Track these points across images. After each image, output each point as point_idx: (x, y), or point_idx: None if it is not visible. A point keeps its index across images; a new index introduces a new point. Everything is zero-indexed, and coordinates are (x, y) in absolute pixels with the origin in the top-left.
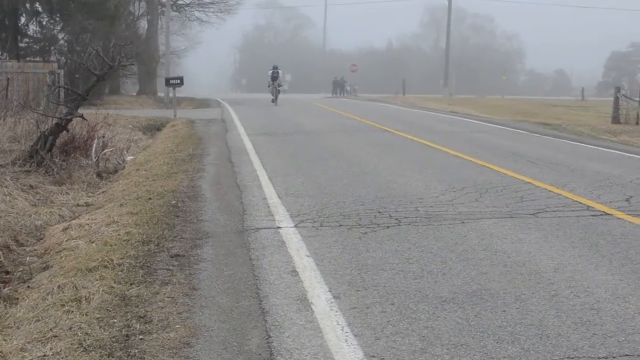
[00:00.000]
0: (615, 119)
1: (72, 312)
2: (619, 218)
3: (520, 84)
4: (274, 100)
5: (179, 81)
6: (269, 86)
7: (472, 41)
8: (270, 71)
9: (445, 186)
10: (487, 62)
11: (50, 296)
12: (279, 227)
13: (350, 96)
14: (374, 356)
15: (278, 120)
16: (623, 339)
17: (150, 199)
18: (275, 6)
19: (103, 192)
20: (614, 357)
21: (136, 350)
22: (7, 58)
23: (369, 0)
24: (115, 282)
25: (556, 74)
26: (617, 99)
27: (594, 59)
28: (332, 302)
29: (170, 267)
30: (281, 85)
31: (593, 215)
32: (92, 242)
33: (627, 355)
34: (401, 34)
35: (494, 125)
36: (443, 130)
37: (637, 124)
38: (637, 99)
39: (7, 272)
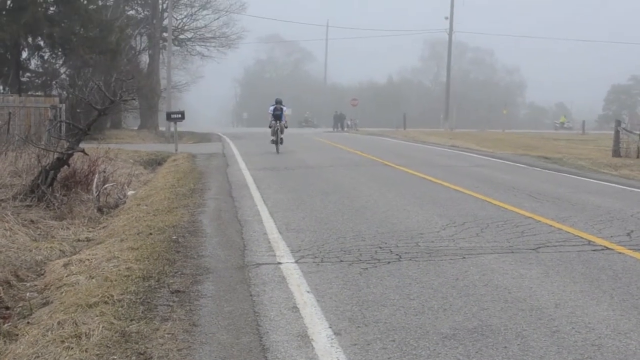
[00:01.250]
0: (616, 153)
1: (72, 348)
2: (620, 253)
3: (521, 117)
4: (276, 146)
5: (180, 115)
6: (270, 126)
7: (472, 75)
8: (272, 107)
9: (446, 221)
10: (487, 95)
11: (50, 332)
12: (279, 263)
13: (351, 130)
14: None
15: (279, 156)
16: None
17: (151, 234)
18: (276, 40)
19: (104, 227)
20: None
21: None
22: (9, 92)
23: (370, 35)
24: (115, 318)
25: (557, 108)
26: (617, 132)
27: (595, 92)
28: (332, 339)
29: (171, 303)
30: (286, 127)
31: (594, 250)
32: (93, 278)
33: None
34: (402, 68)
35: (495, 159)
36: (444, 164)
37: (637, 157)
38: (638, 132)
39: (7, 308)
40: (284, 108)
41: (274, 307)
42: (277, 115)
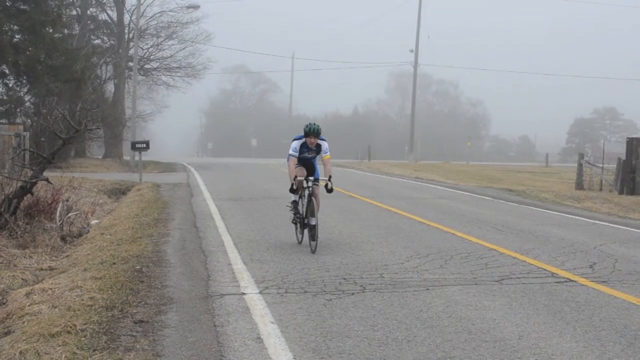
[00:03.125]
0: (579, 185)
1: None
2: (583, 285)
3: (485, 149)
4: (302, 232)
5: (144, 145)
6: (294, 188)
7: (437, 107)
8: (298, 141)
9: (410, 252)
10: (452, 128)
11: None
12: (243, 293)
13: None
14: None
15: (244, 186)
16: None
17: (114, 263)
18: (242, 71)
19: (67, 256)
20: None
21: None
22: None
23: (336, 67)
24: (78, 348)
25: (521, 140)
26: (580, 165)
27: (558, 126)
28: None
29: (134, 333)
30: (330, 188)
31: (557, 282)
32: (55, 307)
33: None
34: (367, 100)
35: (459, 192)
36: (408, 196)
37: (600, 190)
38: (601, 165)
39: None
40: (324, 144)
41: (237, 338)
42: (308, 162)
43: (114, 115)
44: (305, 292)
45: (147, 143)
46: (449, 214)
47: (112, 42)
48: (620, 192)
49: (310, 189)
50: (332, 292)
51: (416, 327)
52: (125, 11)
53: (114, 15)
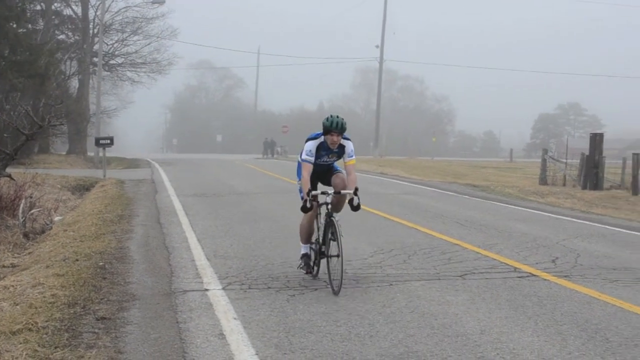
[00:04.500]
0: (543, 180)
1: None
2: (545, 279)
3: (450, 145)
4: (314, 267)
5: (109, 141)
6: (306, 206)
7: (402, 103)
8: (314, 141)
9: (374, 248)
10: (417, 123)
11: None
12: (206, 290)
13: (281, 157)
14: None
15: (208, 182)
16: None
17: (77, 260)
18: (207, 67)
19: (29, 253)
20: None
21: None
22: None
23: (301, 63)
24: (39, 345)
25: (485, 136)
26: (544, 160)
27: (523, 121)
28: None
29: (96, 330)
30: (357, 205)
31: (520, 277)
32: (17, 305)
33: None
34: (333, 95)
35: (424, 187)
36: (373, 191)
37: (564, 185)
38: (564, 160)
39: None
40: (349, 145)
41: (200, 334)
42: (326, 168)
43: (78, 111)
44: (269, 287)
45: (111, 139)
46: (413, 209)
47: (77, 37)
48: (584, 187)
49: (329, 199)
50: (295, 288)
51: (379, 323)
52: (90, 6)
53: (79, 10)
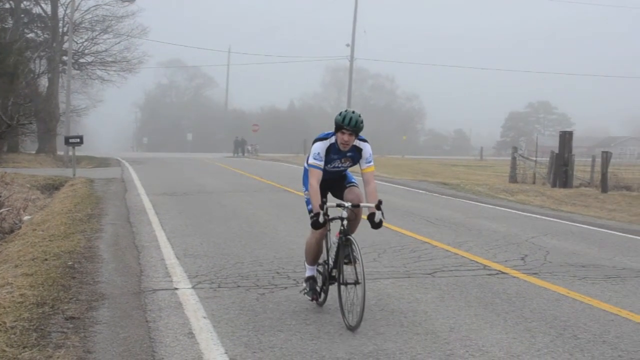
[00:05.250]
0: (513, 178)
1: None
2: (514, 277)
3: (421, 143)
4: (319, 294)
5: (78, 140)
6: (316, 222)
7: (373, 101)
8: (323, 142)
9: None
10: (388, 121)
11: None
12: (176, 289)
13: (252, 156)
14: None
15: (178, 181)
16: None
17: (46, 260)
18: (178, 65)
19: None
20: None
21: None
22: None
23: (272, 61)
24: (7, 345)
25: (456, 134)
26: (514, 158)
27: (493, 120)
28: None
29: (65, 330)
30: (380, 222)
31: (489, 275)
32: None
33: None
34: (303, 94)
35: (394, 185)
36: None
37: (533, 183)
38: (534, 158)
39: None
40: (366, 147)
41: (169, 333)
42: (337, 176)
43: (48, 109)
44: (239, 286)
45: (81, 138)
46: (384, 207)
47: (46, 35)
48: (553, 185)
49: (345, 214)
50: (265, 287)
51: None
52: (59, 4)
53: (48, 8)
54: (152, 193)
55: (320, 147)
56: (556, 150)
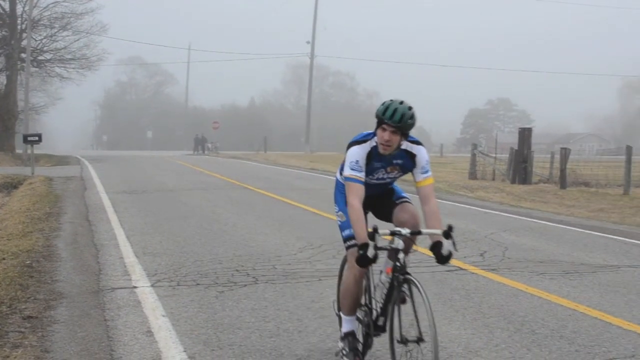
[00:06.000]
0: (472, 175)
1: None
2: (473, 273)
3: None
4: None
5: (37, 138)
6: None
7: (334, 98)
8: (365, 144)
9: (303, 243)
10: (348, 119)
11: None
12: (135, 287)
13: (212, 153)
14: None
15: (138, 179)
16: None
17: (3, 259)
18: (138, 63)
19: None
20: None
21: None
22: None
23: (232, 59)
24: None
25: (416, 131)
26: (474, 155)
27: (454, 117)
28: None
29: (22, 329)
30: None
31: (448, 271)
32: None
33: None
34: (264, 91)
35: None
36: (303, 187)
37: (493, 179)
38: (494, 155)
39: None
40: (421, 151)
41: (128, 332)
42: (381, 190)
43: (6, 107)
44: (198, 284)
45: (40, 136)
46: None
47: (5, 33)
48: (513, 182)
49: (402, 257)
50: (224, 284)
51: (307, 318)
52: (17, 1)
53: (6, 5)
54: (112, 191)
55: (359, 153)
56: (516, 147)
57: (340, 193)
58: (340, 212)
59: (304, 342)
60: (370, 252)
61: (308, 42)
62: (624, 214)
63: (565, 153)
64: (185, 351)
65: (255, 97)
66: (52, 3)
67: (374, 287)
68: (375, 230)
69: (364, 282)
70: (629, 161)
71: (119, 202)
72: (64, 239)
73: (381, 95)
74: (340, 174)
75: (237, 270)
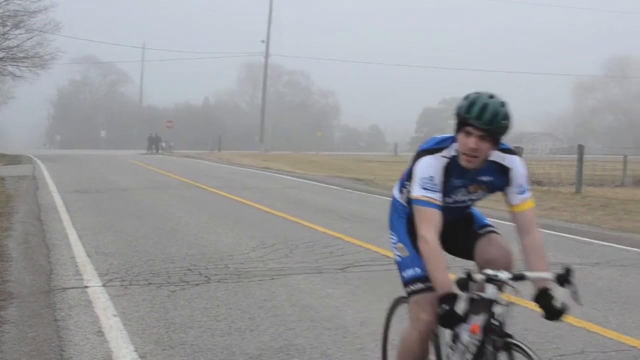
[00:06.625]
0: None
1: None
2: None
3: (336, 140)
4: None
5: None
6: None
7: (288, 98)
8: (441, 154)
9: (256, 242)
10: (303, 118)
11: None
12: (86, 287)
13: (166, 152)
14: None
15: (91, 178)
16: None
17: None
18: (92, 62)
19: None
20: None
21: None
22: None
23: (187, 57)
24: None
25: (371, 130)
26: None
27: (408, 115)
28: None
29: None
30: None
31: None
32: None
33: None
34: (218, 90)
35: (308, 181)
36: (256, 186)
37: None
38: None
39: None
40: (515, 162)
41: (79, 332)
42: (456, 215)
43: None
44: (150, 284)
45: None
46: (297, 203)
47: None
48: None
49: (501, 311)
50: (176, 284)
51: (259, 317)
52: None
53: None
54: (64, 191)
55: (433, 167)
56: None
57: (400, 217)
58: (399, 244)
59: (256, 341)
60: (460, 308)
61: (263, 42)
62: (576, 212)
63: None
64: (136, 351)
65: (209, 96)
66: (4, 1)
67: (450, 352)
68: (469, 277)
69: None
70: (580, 160)
71: (71, 201)
72: (15, 238)
73: (336, 94)
74: (400, 191)
75: (189, 270)
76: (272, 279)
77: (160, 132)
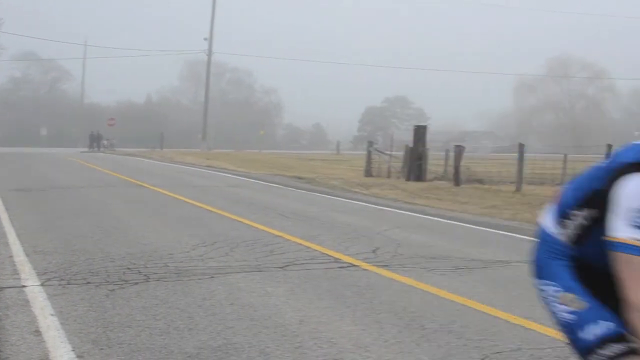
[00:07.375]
0: (368, 172)
1: None
2: (365, 269)
3: (279, 138)
4: None
5: None
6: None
7: (231, 95)
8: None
9: (196, 241)
10: (246, 116)
11: None
12: (24, 286)
13: (108, 150)
14: None
15: (31, 176)
16: None
17: None
18: (32, 59)
19: None
20: None
21: None
22: None
23: (129, 55)
24: None
25: (314, 128)
26: (369, 152)
27: (351, 114)
28: None
29: None
30: None
31: (340, 267)
32: None
33: None
34: (161, 88)
35: (250, 179)
36: (198, 184)
37: (388, 177)
38: (389, 152)
39: None
40: None
41: (15, 332)
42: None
43: None
44: (88, 283)
45: None
46: (238, 201)
47: None
48: (408, 179)
49: None
50: (115, 283)
51: (198, 316)
52: None
53: None
54: (2, 189)
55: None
56: (411, 145)
57: (556, 258)
58: (566, 295)
59: (194, 340)
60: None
61: (205, 39)
62: (516, 210)
63: (459, 150)
64: (73, 350)
65: (152, 94)
66: None
67: None
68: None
69: None
70: (521, 159)
71: (10, 200)
72: None
73: (279, 92)
74: (560, 223)
75: (128, 269)
76: (212, 277)
77: (102, 129)
